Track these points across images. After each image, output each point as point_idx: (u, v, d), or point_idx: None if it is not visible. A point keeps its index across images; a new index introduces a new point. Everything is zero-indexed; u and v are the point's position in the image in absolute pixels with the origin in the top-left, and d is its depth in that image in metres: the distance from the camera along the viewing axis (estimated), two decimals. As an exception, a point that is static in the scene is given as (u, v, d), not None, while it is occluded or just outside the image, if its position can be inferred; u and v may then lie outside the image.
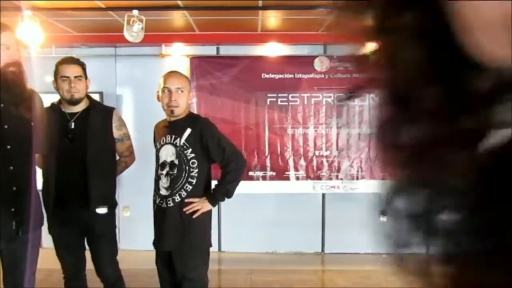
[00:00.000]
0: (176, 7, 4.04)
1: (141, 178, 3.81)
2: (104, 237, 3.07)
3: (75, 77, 2.93)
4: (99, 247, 3.07)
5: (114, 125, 3.08)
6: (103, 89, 5.01)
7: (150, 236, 3.05)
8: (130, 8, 3.93)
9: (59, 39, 4.86)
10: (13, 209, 2.43)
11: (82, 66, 3.01)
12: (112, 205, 3.11)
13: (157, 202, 2.93)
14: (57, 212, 2.95)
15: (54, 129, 2.83)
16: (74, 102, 2.96)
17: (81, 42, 5.11)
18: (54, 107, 2.99)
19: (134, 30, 3.95)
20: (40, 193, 2.76)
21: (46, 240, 3.18)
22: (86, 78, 3.01)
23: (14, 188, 2.43)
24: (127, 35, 3.96)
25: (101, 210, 3.00)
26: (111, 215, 3.11)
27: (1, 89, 2.26)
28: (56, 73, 2.96)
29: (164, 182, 2.89)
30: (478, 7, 0.22)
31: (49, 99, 2.97)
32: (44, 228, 2.82)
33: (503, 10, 0.21)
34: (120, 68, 5.26)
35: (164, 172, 2.89)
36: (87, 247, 3.15)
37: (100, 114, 3.08)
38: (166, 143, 2.89)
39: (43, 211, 2.79)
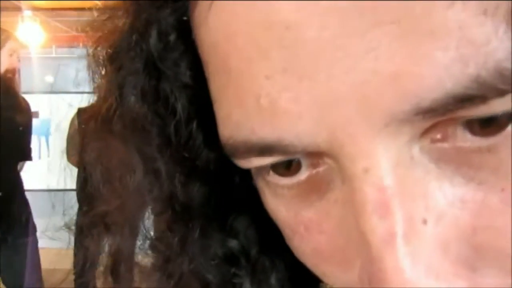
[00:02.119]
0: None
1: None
2: None
3: None
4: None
5: None
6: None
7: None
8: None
9: (59, 39, 4.86)
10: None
11: None
12: None
13: None
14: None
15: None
16: None
17: (81, 42, 5.10)
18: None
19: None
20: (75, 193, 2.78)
21: (48, 240, 3.18)
22: None
23: (0, 194, 2.41)
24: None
25: None
26: None
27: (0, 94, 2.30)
28: None
29: None
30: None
31: (49, 99, 2.97)
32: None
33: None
34: (120, 68, 5.24)
35: None
36: None
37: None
38: None
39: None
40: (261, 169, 0.22)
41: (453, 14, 0.15)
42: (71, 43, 5.06)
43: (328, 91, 0.17)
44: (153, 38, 0.24)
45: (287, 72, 0.18)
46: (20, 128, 2.50)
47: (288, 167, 0.21)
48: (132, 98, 0.26)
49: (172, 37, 0.24)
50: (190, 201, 0.28)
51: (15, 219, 2.48)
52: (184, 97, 0.26)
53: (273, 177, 0.22)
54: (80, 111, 3.02)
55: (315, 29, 0.17)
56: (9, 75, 2.38)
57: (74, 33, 4.96)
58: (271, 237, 0.26)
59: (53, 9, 4.05)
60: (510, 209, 0.17)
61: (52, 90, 3.06)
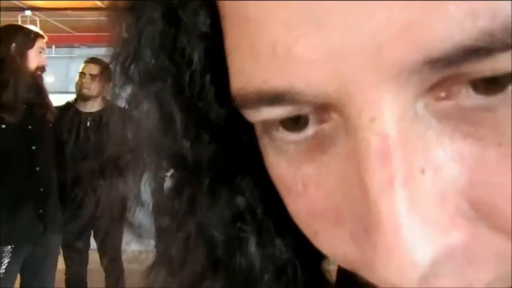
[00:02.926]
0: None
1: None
2: (113, 231, 3.14)
3: (90, 74, 3.04)
4: (109, 242, 3.11)
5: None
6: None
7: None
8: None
9: (59, 39, 4.86)
10: (40, 211, 2.45)
11: (103, 67, 3.09)
12: None
13: None
14: (69, 209, 3.00)
15: (69, 127, 2.88)
16: (82, 97, 3.04)
17: (81, 42, 5.10)
18: (69, 105, 3.06)
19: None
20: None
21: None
22: (105, 79, 3.10)
23: (41, 189, 2.47)
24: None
25: None
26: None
27: (30, 89, 2.37)
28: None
29: (167, 182, 2.91)
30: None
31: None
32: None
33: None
34: (120, 68, 5.24)
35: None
36: (92, 246, 3.19)
37: (116, 113, 3.12)
38: None
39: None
40: (271, 125, 0.23)
41: None
42: (71, 43, 5.06)
43: (343, 41, 0.18)
44: None
45: (305, 20, 0.18)
46: (50, 125, 2.56)
47: (296, 123, 0.22)
48: (150, 47, 0.27)
49: None
50: (199, 157, 0.28)
51: (53, 215, 2.55)
52: (201, 49, 0.26)
53: (281, 133, 0.22)
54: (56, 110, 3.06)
55: None
56: (39, 72, 2.46)
57: (74, 33, 4.97)
58: (276, 202, 0.26)
59: (53, 9, 4.05)
60: (507, 164, 0.18)
61: (52, 90, 3.07)
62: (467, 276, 0.19)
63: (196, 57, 0.26)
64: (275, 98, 0.20)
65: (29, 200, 2.42)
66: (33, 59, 2.42)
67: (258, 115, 0.22)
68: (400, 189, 0.18)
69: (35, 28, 2.59)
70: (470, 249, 0.19)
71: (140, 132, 0.29)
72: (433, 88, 0.18)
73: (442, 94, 0.18)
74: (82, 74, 3.08)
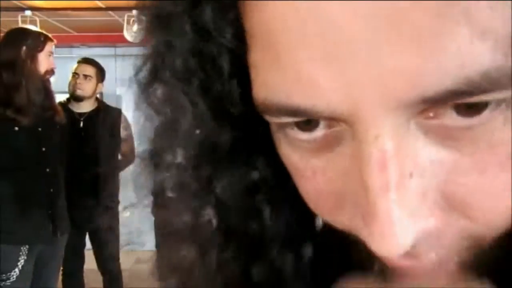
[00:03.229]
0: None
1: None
2: (111, 232, 3.16)
3: (84, 75, 3.06)
4: (106, 242, 3.14)
5: (122, 125, 3.18)
6: (103, 89, 5.00)
7: (151, 236, 3.04)
8: (130, 8, 3.93)
9: (59, 39, 4.86)
10: (50, 211, 2.49)
11: (96, 67, 3.13)
12: (117, 201, 3.22)
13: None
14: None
15: (64, 127, 2.91)
16: (76, 98, 3.06)
17: (81, 42, 5.11)
18: (62, 106, 3.05)
19: (134, 30, 3.94)
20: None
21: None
22: (98, 80, 3.10)
23: (51, 190, 2.51)
24: (127, 35, 3.96)
25: (110, 206, 3.12)
26: (116, 211, 3.21)
27: (40, 92, 2.41)
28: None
29: None
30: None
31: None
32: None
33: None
34: (120, 68, 5.25)
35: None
36: (87, 246, 3.20)
37: (109, 114, 3.19)
38: None
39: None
40: (286, 125, 0.27)
41: (455, 36, 0.20)
42: (71, 43, 5.06)
43: (357, 77, 0.22)
44: (206, 10, 0.28)
45: (326, 59, 0.22)
46: (57, 127, 2.60)
47: (308, 124, 0.26)
48: (180, 53, 0.30)
49: (221, 6, 0.28)
50: (221, 142, 0.32)
51: (62, 215, 2.61)
52: (228, 59, 0.30)
53: (295, 132, 0.27)
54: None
55: (354, 30, 0.21)
56: (48, 76, 2.50)
57: (74, 33, 4.97)
58: (285, 179, 0.31)
59: (53, 9, 4.05)
60: (477, 169, 0.24)
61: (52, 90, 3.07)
62: (438, 251, 0.26)
63: (224, 65, 0.30)
64: (297, 112, 0.25)
65: (41, 201, 2.47)
66: (43, 62, 2.45)
67: (278, 119, 0.27)
68: (393, 190, 0.23)
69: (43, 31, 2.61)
70: (442, 231, 0.25)
71: (168, 124, 0.33)
72: (424, 111, 0.23)
73: (431, 115, 0.23)
74: (75, 74, 3.09)
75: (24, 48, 2.38)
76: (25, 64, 2.36)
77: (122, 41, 4.08)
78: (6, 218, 2.35)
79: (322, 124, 0.26)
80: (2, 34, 2.63)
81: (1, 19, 3.59)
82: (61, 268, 3.10)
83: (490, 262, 0.28)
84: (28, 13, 3.90)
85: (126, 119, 3.26)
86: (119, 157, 3.24)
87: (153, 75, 0.32)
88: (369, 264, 0.30)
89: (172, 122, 0.32)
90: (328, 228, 0.31)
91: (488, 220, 0.25)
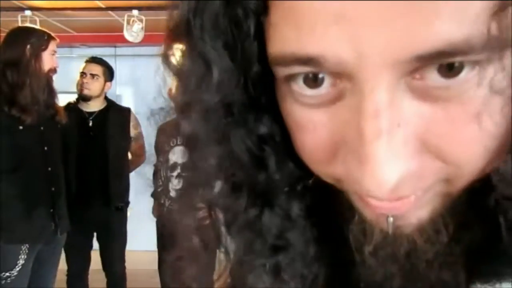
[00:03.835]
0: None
1: (141, 179, 3.81)
2: (118, 233, 3.16)
3: (91, 74, 3.06)
4: (113, 243, 3.15)
5: (131, 124, 3.19)
6: (103, 89, 5.00)
7: (151, 236, 3.04)
8: (130, 8, 3.93)
9: (59, 39, 4.86)
10: (51, 210, 2.51)
11: (104, 66, 3.13)
12: (126, 202, 3.22)
13: (167, 205, 2.92)
14: (73, 210, 3.00)
15: (72, 127, 2.91)
16: (83, 98, 3.06)
17: (81, 42, 5.10)
18: (71, 106, 3.08)
19: (134, 30, 3.94)
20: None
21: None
22: (106, 79, 3.09)
23: (53, 189, 2.52)
24: (127, 35, 3.96)
25: (119, 207, 3.12)
26: (125, 212, 3.22)
27: (43, 91, 2.42)
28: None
29: (175, 184, 2.89)
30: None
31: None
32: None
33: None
34: (120, 68, 5.25)
35: (175, 174, 2.88)
36: (94, 247, 3.20)
37: (118, 113, 3.19)
38: (177, 144, 2.88)
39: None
40: (294, 79, 0.31)
41: (445, 7, 0.26)
42: (71, 43, 5.06)
43: (364, 34, 0.27)
44: None
45: (338, 17, 0.27)
46: (59, 126, 2.61)
47: (315, 81, 0.31)
48: (209, 17, 0.33)
49: None
50: (233, 97, 0.36)
51: (63, 214, 2.63)
52: (253, 20, 0.33)
53: (301, 88, 0.31)
54: (69, 105, 3.06)
55: None
56: (51, 74, 2.51)
57: (74, 33, 4.97)
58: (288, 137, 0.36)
59: (53, 9, 4.05)
60: (451, 121, 0.29)
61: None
62: (417, 186, 0.31)
63: (249, 26, 0.33)
64: (307, 61, 0.29)
65: (42, 199, 2.48)
66: (47, 61, 2.45)
67: (289, 70, 0.31)
68: (384, 136, 0.28)
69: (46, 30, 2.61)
70: (420, 173, 0.30)
71: (189, 82, 0.36)
72: (413, 72, 0.28)
73: (417, 76, 0.28)
74: (82, 73, 3.09)
75: (28, 47, 2.38)
76: (30, 63, 2.36)
77: (122, 41, 4.09)
78: (7, 217, 2.36)
79: (327, 82, 0.30)
80: (2, 34, 2.63)
81: (1, 19, 3.59)
82: (67, 268, 3.10)
83: (455, 214, 0.34)
84: (28, 13, 3.90)
85: (135, 118, 3.26)
86: (129, 156, 3.24)
87: (184, 32, 0.35)
88: (350, 214, 0.36)
89: (201, 76, 0.35)
90: (317, 183, 0.37)
91: (459, 163, 0.30)
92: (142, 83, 5.06)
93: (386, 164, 0.28)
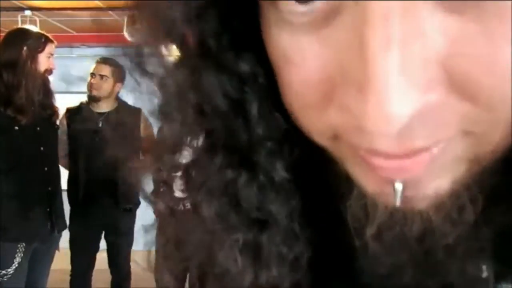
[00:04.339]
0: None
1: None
2: (126, 233, 3.15)
3: (100, 75, 3.05)
4: (122, 243, 3.15)
5: (142, 124, 3.16)
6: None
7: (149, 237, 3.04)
8: (130, 8, 3.92)
9: (59, 39, 4.86)
10: (48, 209, 2.54)
11: (114, 66, 3.08)
12: (136, 203, 3.18)
13: (170, 205, 2.92)
14: (82, 210, 3.01)
15: (82, 127, 2.94)
16: (92, 98, 3.06)
17: (81, 42, 5.10)
18: (82, 106, 3.09)
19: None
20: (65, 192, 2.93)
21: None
22: (116, 80, 3.07)
23: (50, 189, 2.55)
24: (127, 35, 3.96)
25: (127, 208, 3.11)
26: (134, 213, 3.20)
27: (39, 92, 2.44)
28: None
29: (179, 184, 2.88)
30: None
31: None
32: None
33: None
34: (120, 68, 5.24)
35: (179, 174, 2.88)
36: (101, 247, 3.20)
37: (129, 114, 3.17)
38: None
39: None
40: None
41: None
42: (71, 43, 5.06)
43: None
44: None
45: None
46: (55, 127, 2.65)
47: None
48: None
49: None
50: (209, 31, 0.30)
51: (59, 213, 2.65)
52: None
53: (290, 4, 0.24)
54: (69, 111, 3.06)
55: None
56: (47, 75, 2.54)
57: (74, 33, 4.97)
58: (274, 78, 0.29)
59: (53, 9, 4.05)
60: (485, 40, 0.21)
61: (52, 90, 3.07)
62: (435, 135, 0.23)
63: None
64: None
65: (39, 199, 2.51)
66: (43, 62, 2.48)
67: None
68: (395, 49, 0.21)
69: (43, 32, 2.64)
70: (442, 111, 0.23)
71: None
72: None
73: None
74: (92, 74, 3.08)
75: (25, 48, 2.41)
76: (26, 64, 2.39)
77: (122, 41, 4.08)
78: (5, 216, 2.38)
79: None
80: (2, 34, 2.64)
81: (1, 19, 3.59)
82: (70, 269, 3.10)
83: (484, 187, 0.26)
84: (28, 13, 3.90)
85: (146, 119, 3.24)
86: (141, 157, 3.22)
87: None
88: (348, 188, 0.29)
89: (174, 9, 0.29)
90: (307, 147, 0.30)
91: (492, 104, 0.23)
92: (142, 83, 5.03)
93: (397, 89, 0.21)
